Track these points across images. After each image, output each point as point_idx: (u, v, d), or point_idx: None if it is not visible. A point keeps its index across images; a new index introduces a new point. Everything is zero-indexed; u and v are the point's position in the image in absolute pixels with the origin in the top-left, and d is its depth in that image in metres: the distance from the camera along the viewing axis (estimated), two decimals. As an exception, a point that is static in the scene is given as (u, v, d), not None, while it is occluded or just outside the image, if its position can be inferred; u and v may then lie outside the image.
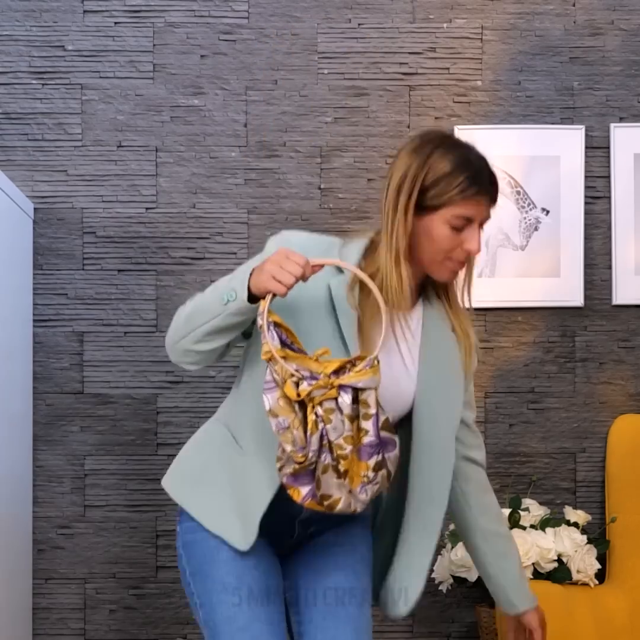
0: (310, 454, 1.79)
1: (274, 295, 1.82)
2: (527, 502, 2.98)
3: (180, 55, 3.14)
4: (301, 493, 1.82)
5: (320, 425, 1.78)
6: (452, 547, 2.90)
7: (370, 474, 1.81)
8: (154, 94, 3.14)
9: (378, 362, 1.82)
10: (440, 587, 2.96)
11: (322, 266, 1.86)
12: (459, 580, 2.91)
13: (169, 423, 3.10)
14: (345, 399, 1.80)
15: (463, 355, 2.03)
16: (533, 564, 2.82)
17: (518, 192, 3.12)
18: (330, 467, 1.80)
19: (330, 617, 1.97)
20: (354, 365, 1.81)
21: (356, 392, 1.81)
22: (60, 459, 3.10)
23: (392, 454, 1.83)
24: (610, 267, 3.14)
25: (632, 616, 2.82)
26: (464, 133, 3.11)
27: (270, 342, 1.80)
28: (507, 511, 2.91)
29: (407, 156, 1.92)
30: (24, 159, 3.13)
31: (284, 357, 1.80)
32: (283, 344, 1.83)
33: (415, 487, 2.02)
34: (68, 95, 3.14)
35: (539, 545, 2.82)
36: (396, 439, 1.84)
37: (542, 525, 2.90)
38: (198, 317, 1.92)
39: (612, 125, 3.14)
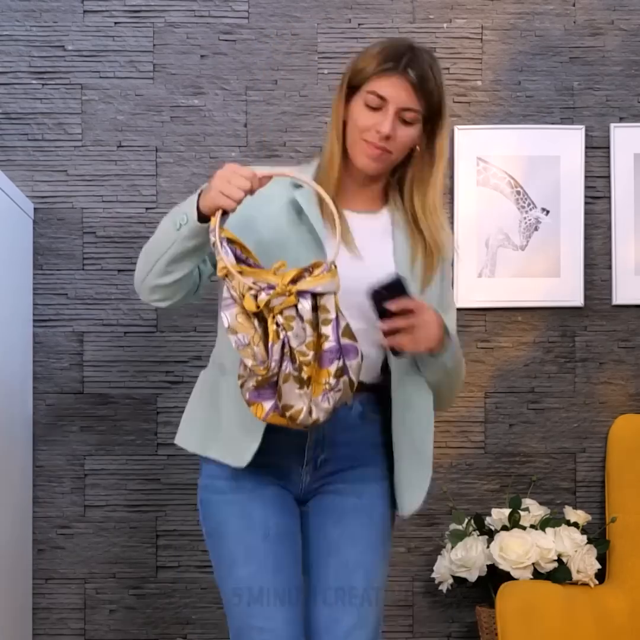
0: (272, 365, 1.79)
1: (225, 212, 1.82)
2: (527, 502, 2.98)
3: (180, 55, 3.14)
4: (264, 408, 1.82)
5: (282, 334, 1.78)
6: (452, 547, 2.90)
7: (332, 381, 1.80)
8: (154, 94, 3.14)
9: (335, 266, 1.82)
10: (440, 587, 2.96)
11: (270, 178, 1.87)
12: (459, 580, 2.91)
13: (169, 423, 3.10)
14: (305, 305, 1.79)
15: (430, 257, 2.01)
16: (533, 564, 2.82)
17: (518, 192, 3.12)
18: (291, 376, 1.79)
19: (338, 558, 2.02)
20: (311, 272, 1.81)
21: (315, 298, 1.80)
22: (60, 459, 3.10)
23: (354, 362, 1.82)
24: (610, 267, 3.14)
25: (632, 616, 2.82)
26: (464, 133, 3.11)
27: (224, 257, 1.80)
28: (507, 511, 2.91)
29: None
30: (24, 159, 3.12)
31: (240, 273, 1.80)
32: (238, 259, 1.83)
33: (399, 402, 2.01)
34: (68, 95, 3.13)
35: (539, 545, 2.82)
36: (358, 346, 1.83)
37: (542, 525, 2.90)
38: (156, 250, 1.94)
39: (612, 125, 3.14)
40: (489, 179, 3.12)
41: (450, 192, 3.13)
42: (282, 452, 1.99)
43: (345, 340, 1.82)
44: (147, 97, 3.14)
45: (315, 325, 1.81)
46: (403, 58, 1.92)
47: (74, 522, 3.09)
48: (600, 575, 2.95)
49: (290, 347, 1.79)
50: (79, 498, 3.09)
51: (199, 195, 1.88)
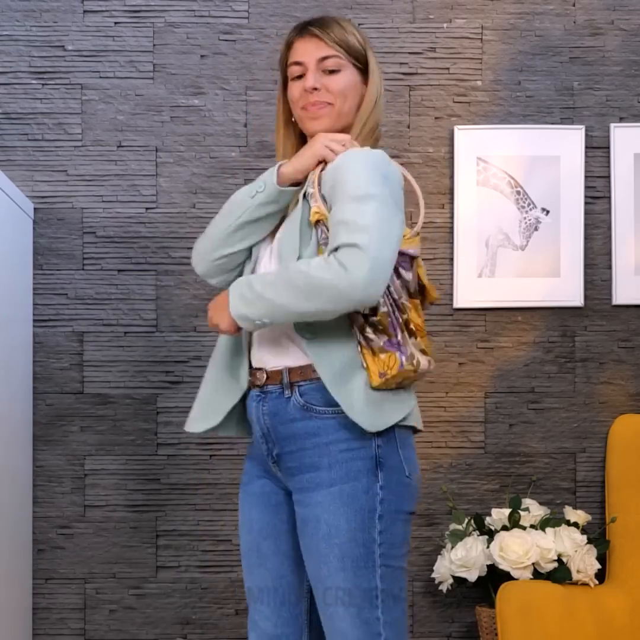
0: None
1: (325, 164, 2.00)
2: (527, 502, 2.98)
3: (180, 55, 3.14)
4: (397, 359, 1.97)
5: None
6: (452, 547, 2.90)
7: None
8: (154, 94, 3.14)
9: (418, 234, 2.07)
10: (440, 587, 2.96)
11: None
12: (459, 580, 2.91)
13: (169, 423, 3.10)
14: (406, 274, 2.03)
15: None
16: (533, 564, 2.82)
17: (518, 192, 3.12)
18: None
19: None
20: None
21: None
22: (60, 459, 3.10)
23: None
24: (610, 267, 3.14)
25: (632, 616, 2.82)
26: (464, 133, 3.12)
27: (321, 205, 1.96)
28: (507, 511, 2.92)
29: None
30: (24, 159, 3.13)
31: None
32: None
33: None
34: (68, 95, 3.13)
35: (539, 545, 2.82)
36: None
37: (542, 525, 2.90)
38: (226, 220, 2.07)
39: (612, 125, 3.14)
40: (489, 179, 3.12)
41: (450, 192, 3.13)
42: (257, 442, 2.06)
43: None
44: (147, 97, 3.14)
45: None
46: (305, 24, 2.08)
47: (74, 522, 3.10)
48: (600, 575, 2.95)
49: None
50: (79, 498, 3.10)
51: (278, 168, 2.02)
